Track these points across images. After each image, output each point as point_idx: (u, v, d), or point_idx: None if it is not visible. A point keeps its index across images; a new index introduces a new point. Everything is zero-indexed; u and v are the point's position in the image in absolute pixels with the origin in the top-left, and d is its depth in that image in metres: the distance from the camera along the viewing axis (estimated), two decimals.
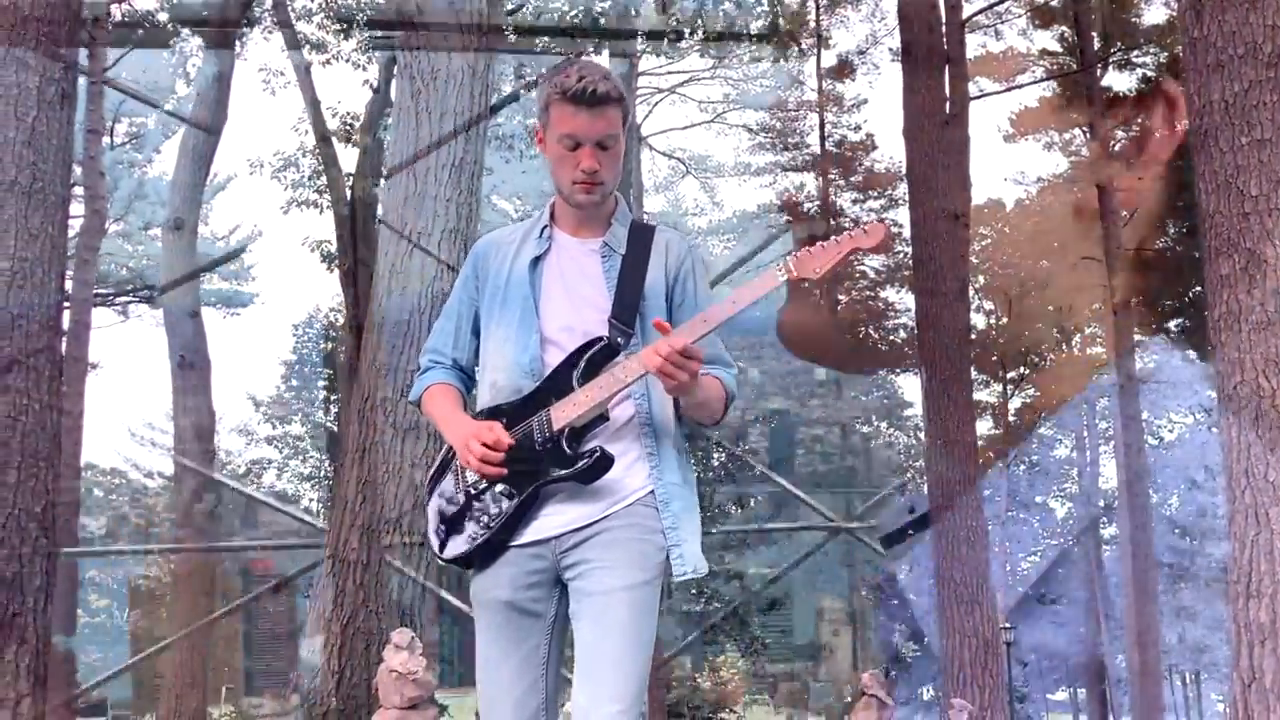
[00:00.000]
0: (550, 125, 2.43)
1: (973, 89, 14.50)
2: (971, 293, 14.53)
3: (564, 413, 2.34)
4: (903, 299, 17.25)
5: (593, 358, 2.36)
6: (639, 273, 2.44)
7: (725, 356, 2.52)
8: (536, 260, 2.49)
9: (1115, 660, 18.74)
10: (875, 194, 17.81)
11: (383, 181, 13.06)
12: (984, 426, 18.89)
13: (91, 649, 15.78)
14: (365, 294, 11.90)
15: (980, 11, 15.73)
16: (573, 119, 2.38)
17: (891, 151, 17.95)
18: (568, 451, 2.33)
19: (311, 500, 17.71)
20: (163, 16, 13.25)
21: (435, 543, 2.47)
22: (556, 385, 2.37)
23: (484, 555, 2.40)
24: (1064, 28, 16.96)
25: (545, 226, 2.52)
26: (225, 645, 15.34)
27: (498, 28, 9.54)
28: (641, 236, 2.50)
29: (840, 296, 16.37)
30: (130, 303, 15.76)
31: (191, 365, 11.73)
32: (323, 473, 17.38)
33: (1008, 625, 13.48)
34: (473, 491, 2.41)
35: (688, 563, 2.38)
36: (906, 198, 13.21)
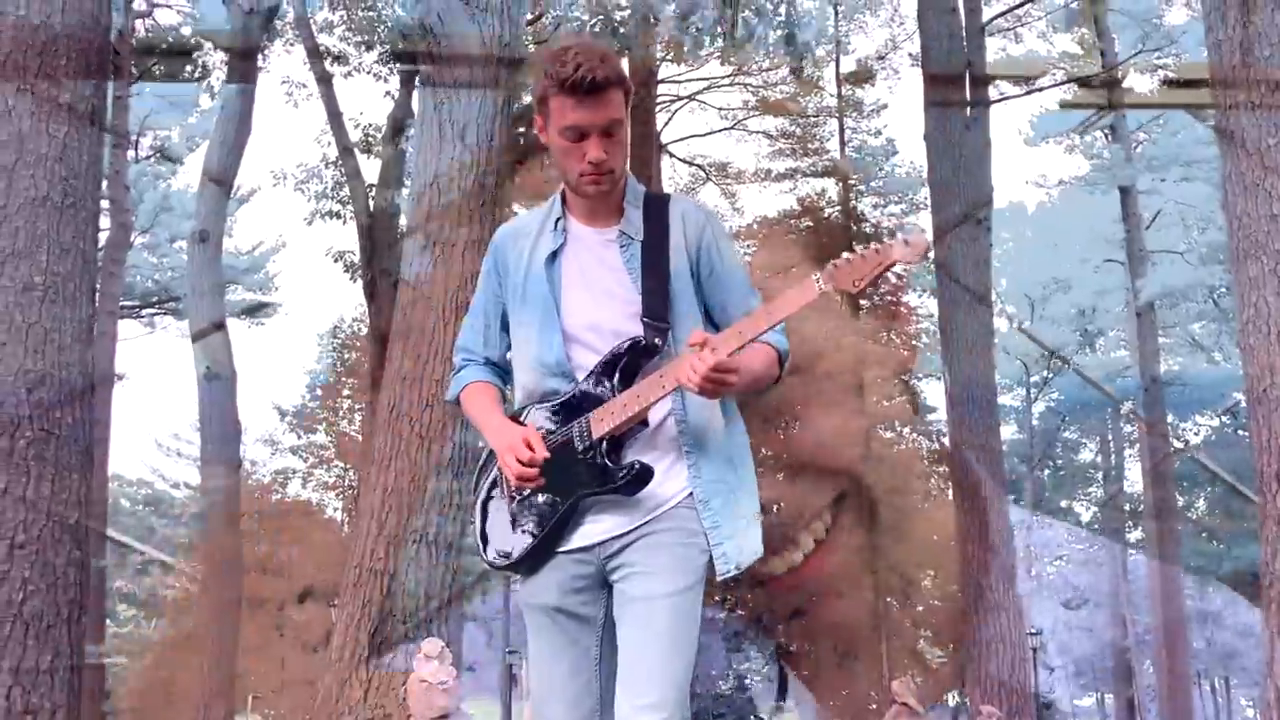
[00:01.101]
0: (550, 117, 2.32)
1: (992, 92, 14.47)
2: (994, 296, 14.47)
3: (602, 422, 2.32)
4: (924, 303, 17.21)
5: (630, 361, 2.33)
6: (661, 258, 2.38)
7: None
8: (553, 255, 2.43)
9: (1143, 665, 18.59)
10: (896, 199, 17.78)
11: (405, 192, 13.15)
12: (1008, 431, 18.82)
13: (120, 658, 15.89)
14: (388, 303, 11.95)
15: (1000, 15, 15.69)
16: (574, 110, 2.28)
17: (912, 156, 17.95)
18: (608, 463, 2.32)
19: (335, 509, 17.79)
20: (186, 31, 13.39)
21: (481, 547, 2.47)
22: (594, 390, 2.34)
23: (530, 561, 2.39)
24: (1084, 30, 16.89)
25: (559, 218, 2.47)
26: (252, 653, 15.40)
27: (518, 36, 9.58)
28: (657, 213, 2.43)
29: (862, 301, 16.33)
30: (156, 314, 15.88)
31: (218, 377, 11.80)
32: (346, 482, 17.45)
33: (1034, 631, 13.37)
34: (517, 497, 2.40)
35: (730, 560, 2.35)
36: (928, 202, 13.20)
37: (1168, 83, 15.75)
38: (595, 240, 2.44)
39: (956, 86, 12.90)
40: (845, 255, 2.24)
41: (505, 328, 2.52)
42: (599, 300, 2.39)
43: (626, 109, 2.36)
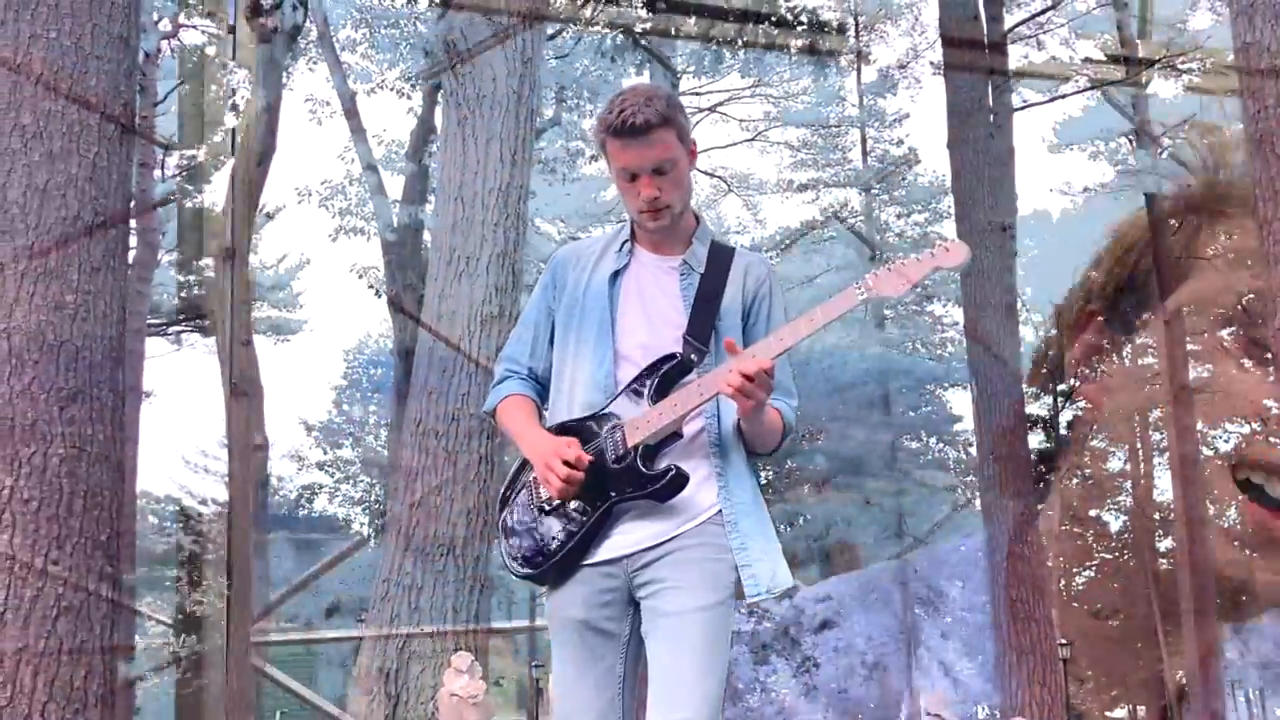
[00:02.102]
0: (609, 161, 2.46)
1: (1015, 100, 14.42)
2: (1019, 304, 14.40)
3: (637, 431, 2.33)
4: (949, 312, 17.13)
5: (666, 375, 2.36)
6: (716, 292, 2.43)
7: (790, 386, 2.51)
8: (616, 275, 2.49)
9: (1176, 676, 18.37)
10: (919, 207, 17.72)
11: (428, 208, 13.21)
12: (1035, 440, 18.67)
13: (150, 674, 15.98)
14: (412, 318, 12.01)
15: (1022, 22, 15.64)
16: (623, 153, 2.39)
17: (934, 165, 17.88)
18: (642, 469, 2.33)
19: (362, 524, 17.83)
20: (211, 51, 13.52)
21: (509, 560, 2.47)
22: (630, 402, 2.37)
23: (557, 573, 2.40)
24: (1107, 35, 16.82)
25: (626, 241, 2.53)
26: (280, 668, 15.45)
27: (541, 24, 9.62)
28: (721, 257, 2.49)
29: (886, 311, 16.28)
30: (183, 331, 16.00)
31: (245, 393, 11.88)
32: (373, 497, 17.50)
33: (1064, 641, 13.24)
34: (546, 508, 2.41)
35: (760, 583, 2.35)
36: (951, 210, 13.16)
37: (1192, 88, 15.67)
38: (658, 267, 2.51)
39: (979, 94, 12.87)
40: (886, 264, 2.29)
41: (553, 342, 2.55)
42: (653, 323, 2.44)
43: (684, 145, 2.44)
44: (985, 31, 13.15)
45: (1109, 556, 20.61)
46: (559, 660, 2.43)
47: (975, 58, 12.85)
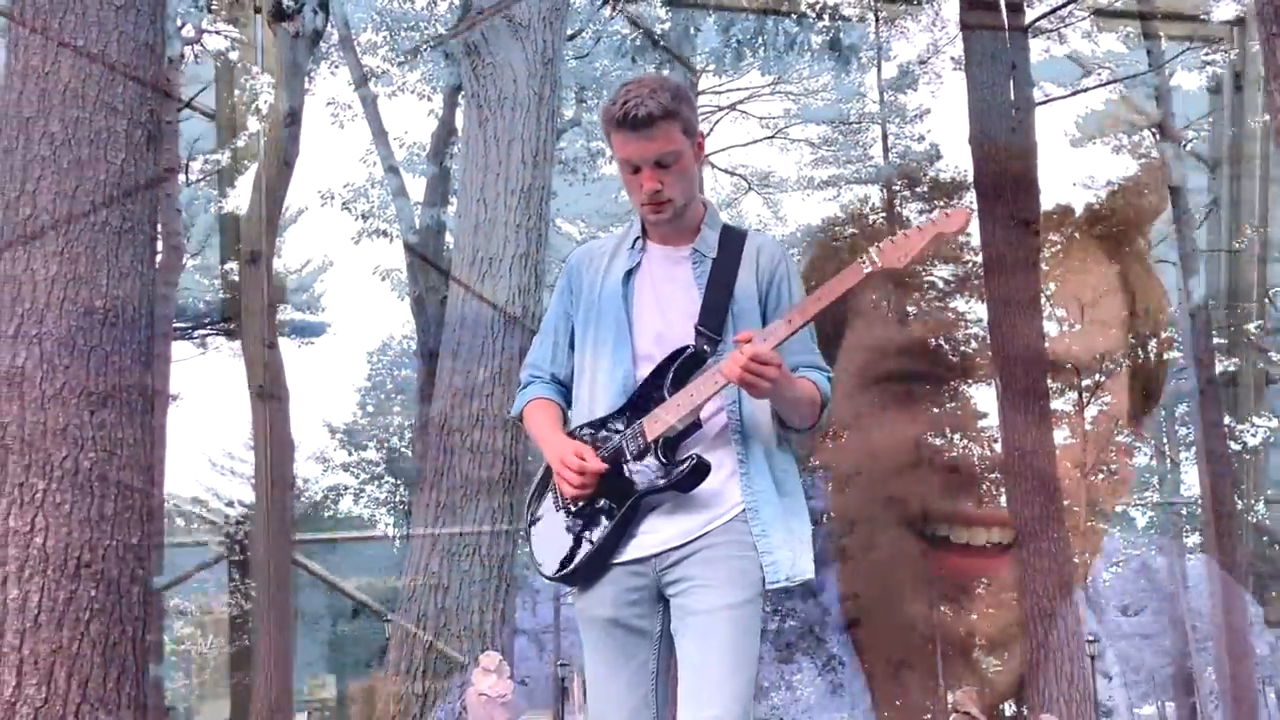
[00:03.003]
0: (613, 152, 2.45)
1: (1037, 94, 14.33)
2: (1043, 299, 14.33)
3: (656, 424, 2.34)
4: (972, 309, 17.04)
5: (680, 367, 2.36)
6: (728, 277, 2.42)
7: (818, 359, 2.50)
8: (629, 274, 2.48)
9: (1205, 673, 18.24)
10: (942, 204, 17.64)
11: (450, 209, 13.27)
12: (1059, 435, 18.55)
13: (179, 675, 16.11)
14: (435, 320, 12.06)
15: (1043, 16, 15.54)
16: (625, 145, 2.37)
17: (956, 161, 17.78)
18: (663, 461, 2.33)
19: (387, 525, 17.92)
20: (233, 56, 13.61)
21: (538, 561, 2.48)
22: (647, 397, 2.37)
23: (586, 573, 2.40)
24: (1129, 28, 16.69)
25: (637, 238, 2.53)
26: (308, 669, 15.55)
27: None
28: (732, 241, 2.48)
29: (909, 308, 16.23)
30: (208, 335, 16.10)
31: (271, 395, 11.95)
32: (397, 498, 17.58)
33: (1092, 638, 13.17)
34: (572, 509, 2.41)
35: (780, 570, 2.34)
36: (974, 206, 13.09)
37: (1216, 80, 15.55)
38: (669, 258, 2.50)
39: (1001, 89, 12.81)
40: (889, 237, 2.29)
41: (573, 346, 2.56)
42: (668, 316, 2.44)
43: (689, 139, 2.41)
44: (1006, 24, 13.09)
45: (1135, 553, 20.48)
46: (591, 659, 2.44)
47: (996, 51, 12.79)
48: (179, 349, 15.74)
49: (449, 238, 13.25)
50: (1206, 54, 16.07)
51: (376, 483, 18.04)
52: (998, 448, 14.70)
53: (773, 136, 18.34)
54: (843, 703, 16.72)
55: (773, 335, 2.28)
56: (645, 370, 2.41)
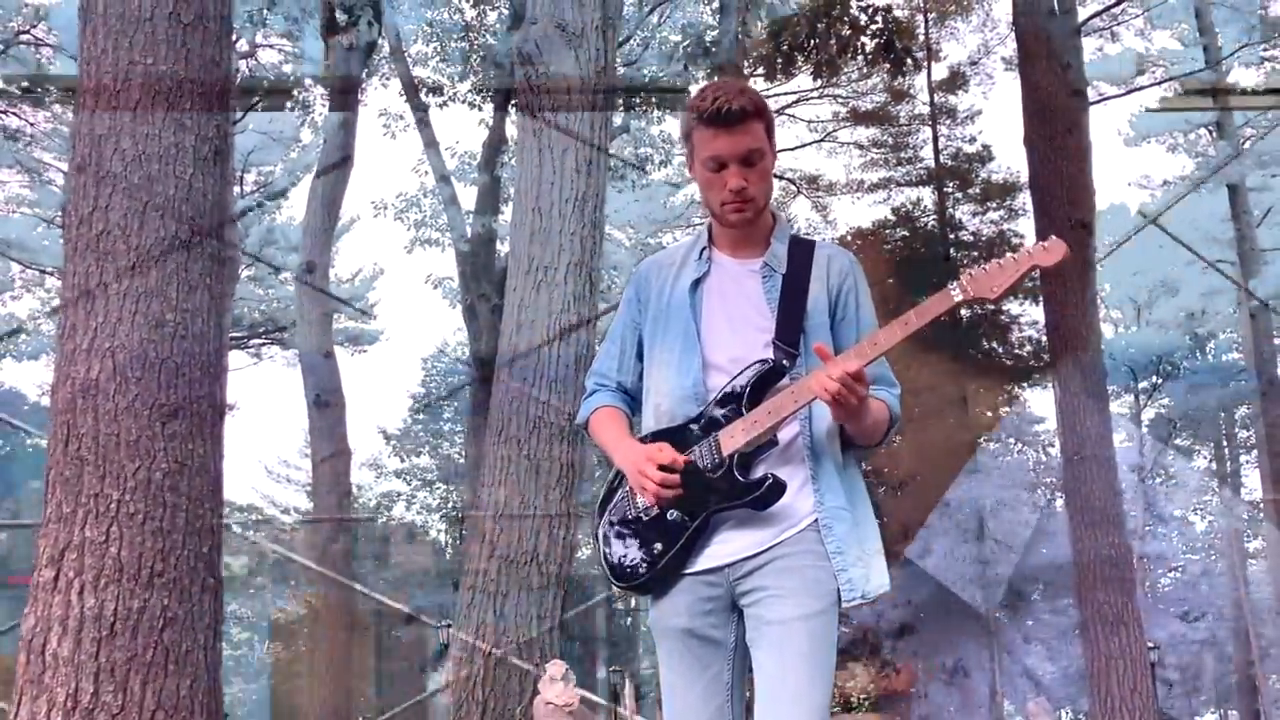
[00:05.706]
0: (695, 151, 2.42)
1: (1091, 93, 14.14)
2: (1099, 301, 14.13)
3: (732, 438, 2.32)
4: (1027, 311, 16.85)
5: (759, 381, 2.34)
6: (801, 291, 2.41)
7: (890, 376, 2.48)
8: (696, 283, 2.47)
9: (1269, 680, 17.89)
10: (994, 205, 17.46)
11: (501, 217, 13.34)
12: (1117, 439, 18.27)
13: (236, 680, 16.31)
14: (487, 327, 12.12)
15: (1096, 15, 15.34)
16: (713, 141, 2.36)
17: (1008, 161, 17.61)
18: (739, 478, 2.32)
19: (439, 531, 18.04)
20: (288, 69, 13.80)
21: (609, 572, 2.47)
22: (724, 410, 2.35)
23: (660, 583, 2.40)
24: (1184, 25, 16.44)
25: (704, 248, 2.51)
26: (359, 677, 15.67)
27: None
28: (802, 252, 2.47)
29: (963, 311, 16.07)
30: (263, 345, 16.32)
31: (327, 404, 12.08)
32: (450, 504, 17.70)
33: (1153, 645, 12.95)
34: (644, 518, 2.40)
35: (856, 588, 2.32)
36: (1026, 208, 12.96)
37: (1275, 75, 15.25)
38: (739, 270, 2.49)
39: (1054, 89, 12.64)
40: (982, 264, 2.26)
41: (641, 356, 2.55)
42: (737, 328, 2.42)
43: (770, 141, 2.42)
44: (1058, 25, 12.92)
45: (1195, 558, 20.14)
46: (666, 670, 2.43)
47: (1049, 51, 12.63)
48: (235, 358, 15.99)
49: (500, 246, 13.33)
50: (1265, 50, 15.78)
51: (429, 489, 18.18)
52: (1054, 451, 14.52)
53: (822, 140, 18.27)
54: (897, 709, 16.58)
55: (858, 356, 2.26)
56: (715, 380, 2.39)
